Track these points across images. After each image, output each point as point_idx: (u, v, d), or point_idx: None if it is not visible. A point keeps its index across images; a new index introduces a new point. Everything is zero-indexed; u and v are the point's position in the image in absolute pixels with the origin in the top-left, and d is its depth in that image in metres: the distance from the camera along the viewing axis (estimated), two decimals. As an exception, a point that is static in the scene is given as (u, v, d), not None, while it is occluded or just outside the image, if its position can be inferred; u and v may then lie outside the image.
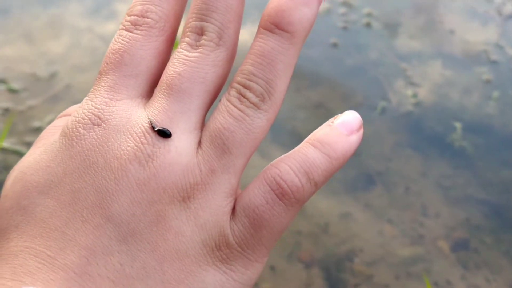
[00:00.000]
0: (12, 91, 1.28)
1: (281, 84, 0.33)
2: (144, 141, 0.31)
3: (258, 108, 0.33)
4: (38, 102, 1.27)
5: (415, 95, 1.42)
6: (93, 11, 1.53)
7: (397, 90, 1.43)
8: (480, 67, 1.52)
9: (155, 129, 0.31)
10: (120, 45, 0.33)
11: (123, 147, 0.31)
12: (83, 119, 0.31)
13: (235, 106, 0.34)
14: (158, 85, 0.33)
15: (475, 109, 1.41)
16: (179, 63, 0.33)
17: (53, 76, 1.34)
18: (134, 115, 0.32)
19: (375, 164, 1.27)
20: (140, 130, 0.31)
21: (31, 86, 1.31)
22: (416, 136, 1.34)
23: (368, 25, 1.60)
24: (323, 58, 1.50)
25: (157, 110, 0.32)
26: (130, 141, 0.31)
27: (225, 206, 0.32)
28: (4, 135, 1.06)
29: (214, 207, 0.32)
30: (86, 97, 0.33)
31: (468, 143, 1.33)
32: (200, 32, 0.33)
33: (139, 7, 0.33)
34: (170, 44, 0.34)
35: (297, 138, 1.29)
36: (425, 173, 1.27)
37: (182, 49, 0.33)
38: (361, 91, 1.43)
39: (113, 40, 0.34)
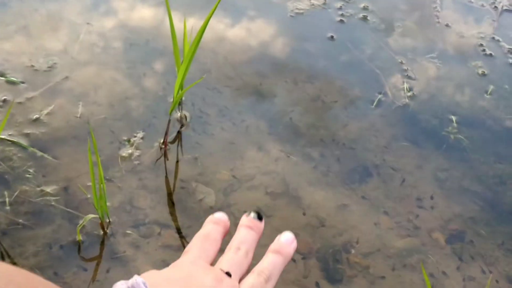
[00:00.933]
0: (11, 83, 1.28)
1: (276, 275, 0.70)
2: (220, 275, 0.65)
3: (266, 283, 0.68)
4: (36, 94, 1.28)
5: (411, 89, 1.43)
6: (91, 7, 1.53)
7: (393, 83, 1.44)
8: (476, 61, 1.53)
9: (225, 272, 0.65)
10: (201, 241, 0.70)
11: (210, 277, 0.64)
12: (187, 262, 0.66)
13: (257, 279, 0.68)
14: (222, 260, 0.69)
15: (471, 102, 1.42)
16: (232, 257, 0.69)
17: (51, 68, 1.34)
18: (213, 268, 0.66)
19: (372, 156, 1.28)
20: (218, 272, 0.65)
21: (29, 78, 1.31)
22: (412, 129, 1.35)
23: (364, 19, 1.61)
24: (320, 52, 1.51)
25: (224, 266, 0.67)
26: (213, 275, 0.64)
27: None
28: (2, 126, 1.07)
29: None
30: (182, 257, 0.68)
31: (464, 136, 1.34)
32: (238, 248, 0.71)
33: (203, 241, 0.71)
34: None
35: (293, 130, 1.30)
36: (421, 166, 1.28)
37: (231, 254, 0.70)
38: (358, 84, 1.44)
39: (196, 241, 0.71)
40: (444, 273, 1.09)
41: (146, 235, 1.07)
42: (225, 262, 0.72)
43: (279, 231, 1.11)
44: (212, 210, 1.12)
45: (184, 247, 1.05)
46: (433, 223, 1.17)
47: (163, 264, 1.02)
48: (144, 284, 0.59)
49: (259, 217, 0.80)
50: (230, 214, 1.12)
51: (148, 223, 1.09)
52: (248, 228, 0.78)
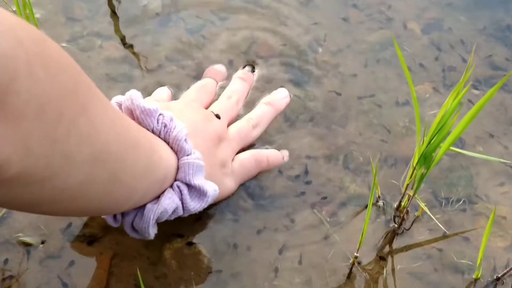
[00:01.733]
0: None
1: (265, 124, 0.84)
2: (210, 115, 0.73)
3: (253, 129, 0.81)
4: None
5: None
6: None
7: None
8: None
9: (215, 114, 0.75)
10: (196, 90, 0.82)
11: (201, 115, 0.72)
12: (181, 102, 0.78)
13: (245, 124, 0.79)
14: (213, 105, 0.79)
15: None
16: (223, 103, 0.80)
17: None
18: (204, 109, 0.76)
19: None
20: (208, 112, 0.74)
21: None
22: None
23: None
24: None
25: (214, 110, 0.76)
26: (203, 114, 0.73)
27: (232, 153, 0.74)
28: None
29: (229, 148, 0.73)
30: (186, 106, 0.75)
31: None
32: (230, 96, 0.81)
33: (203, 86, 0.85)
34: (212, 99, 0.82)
35: None
36: (391, -49, 1.14)
37: (223, 100, 0.81)
38: None
39: (192, 89, 0.83)
40: (422, 65, 0.99)
41: (85, 48, 0.94)
42: (216, 106, 0.79)
43: (237, 35, 1.00)
44: (158, 16, 0.99)
45: (129, 58, 0.93)
46: (407, 13, 1.05)
47: (107, 78, 0.90)
48: (141, 95, 0.64)
49: (253, 70, 0.90)
50: (180, 20, 0.99)
51: (87, 35, 0.96)
52: (241, 80, 0.86)
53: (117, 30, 0.97)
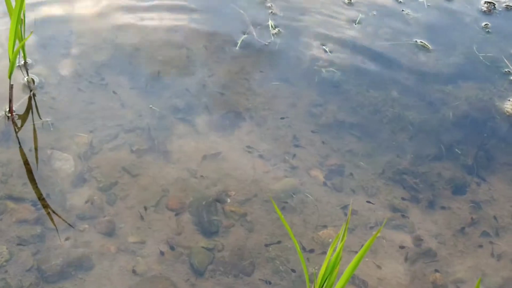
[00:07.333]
0: None
1: None
2: None
3: None
4: None
5: (276, 26, 1.36)
6: None
7: (257, 22, 1.37)
8: (342, -10, 1.48)
9: None
10: None
11: None
12: None
13: None
14: None
15: (340, 34, 1.37)
16: None
17: None
18: None
19: (243, 100, 1.21)
20: None
21: None
22: (282, 67, 1.29)
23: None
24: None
25: None
26: None
27: None
28: None
29: None
30: None
31: (335, 68, 1.29)
32: None
33: None
34: None
35: (156, 81, 1.21)
36: (294, 104, 1.22)
37: None
38: (222, 27, 1.36)
39: None
40: (325, 210, 1.04)
41: (-3, 212, 0.97)
42: None
43: (148, 189, 1.04)
44: (71, 176, 1.03)
45: (41, 219, 0.96)
46: (310, 161, 1.12)
47: (19, 240, 0.92)
48: None
49: None
50: (92, 179, 1.03)
51: (0, 199, 0.98)
52: None
53: (29, 192, 1.00)
